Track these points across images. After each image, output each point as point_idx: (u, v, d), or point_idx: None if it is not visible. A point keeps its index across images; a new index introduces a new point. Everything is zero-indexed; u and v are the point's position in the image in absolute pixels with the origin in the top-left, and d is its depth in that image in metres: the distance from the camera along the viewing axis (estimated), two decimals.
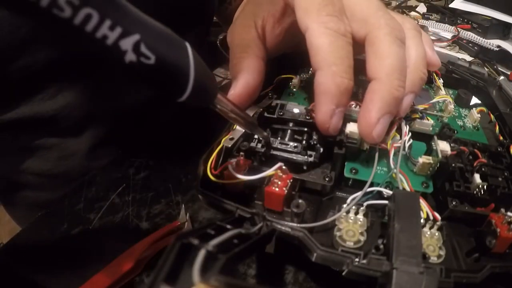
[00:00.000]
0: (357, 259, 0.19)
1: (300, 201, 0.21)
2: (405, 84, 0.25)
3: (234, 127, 0.27)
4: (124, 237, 0.27)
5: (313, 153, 0.25)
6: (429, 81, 0.35)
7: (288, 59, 0.35)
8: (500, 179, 0.24)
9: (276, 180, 0.22)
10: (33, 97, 0.34)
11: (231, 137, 0.26)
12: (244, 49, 0.29)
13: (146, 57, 0.14)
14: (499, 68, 0.56)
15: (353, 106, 0.28)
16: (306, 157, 0.24)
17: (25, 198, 0.42)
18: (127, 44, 0.13)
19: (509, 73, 0.53)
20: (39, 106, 0.34)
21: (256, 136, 0.25)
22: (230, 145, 0.25)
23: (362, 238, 0.21)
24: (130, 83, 0.39)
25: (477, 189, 0.24)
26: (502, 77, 0.49)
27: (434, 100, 0.31)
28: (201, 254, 0.13)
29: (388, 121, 0.24)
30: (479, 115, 0.32)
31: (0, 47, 0.30)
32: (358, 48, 0.26)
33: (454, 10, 0.70)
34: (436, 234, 0.21)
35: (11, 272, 0.25)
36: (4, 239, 0.27)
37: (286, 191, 0.21)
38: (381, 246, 0.20)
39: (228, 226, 0.18)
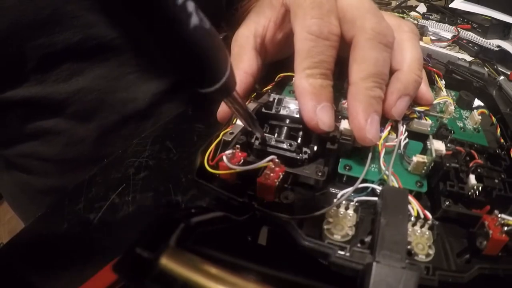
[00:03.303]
0: (342, 252, 0.20)
1: (289, 192, 0.22)
2: (382, 85, 0.25)
3: (234, 122, 0.28)
4: (124, 237, 0.27)
5: (308, 151, 0.25)
6: (431, 82, 0.35)
7: (290, 58, 0.35)
8: (496, 181, 0.24)
9: (268, 172, 0.22)
10: (47, 78, 0.35)
11: (231, 131, 0.27)
12: (236, 63, 0.30)
13: (205, 22, 0.15)
14: (499, 68, 0.56)
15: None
16: (300, 155, 0.25)
17: (29, 185, 0.43)
18: (190, 6, 0.14)
19: (509, 73, 0.53)
20: (52, 87, 0.35)
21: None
22: (229, 139, 0.26)
23: (350, 233, 0.21)
24: (142, 74, 0.40)
25: (472, 190, 0.24)
26: (502, 77, 0.49)
27: (434, 101, 0.32)
28: (181, 226, 0.15)
29: (377, 120, 0.25)
30: (480, 117, 0.32)
31: (22, 26, 0.31)
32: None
33: (454, 10, 0.70)
34: (427, 233, 0.21)
35: (11, 272, 0.25)
36: (4, 239, 0.28)
37: (277, 183, 0.22)
38: (366, 240, 0.20)
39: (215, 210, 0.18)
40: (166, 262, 0.13)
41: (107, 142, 0.40)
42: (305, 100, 0.25)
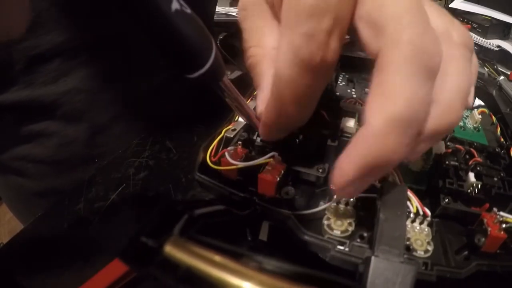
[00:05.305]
0: (341, 247, 0.20)
1: (289, 188, 0.22)
2: (408, 139, 0.16)
3: (236, 119, 0.28)
4: (124, 237, 0.27)
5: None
6: None
7: None
8: (495, 179, 0.24)
9: (269, 168, 0.23)
10: (35, 80, 0.35)
11: (233, 128, 0.27)
12: (258, 37, 0.22)
13: (185, 7, 0.15)
14: (499, 68, 0.56)
15: (352, 103, 0.29)
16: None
17: (24, 188, 0.43)
18: None
19: (509, 73, 0.53)
20: (40, 89, 0.35)
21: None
22: (231, 136, 0.26)
23: (350, 228, 0.21)
24: (127, 76, 0.40)
25: (471, 188, 0.24)
26: (502, 77, 0.49)
27: None
28: (184, 217, 0.16)
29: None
30: (480, 116, 0.32)
31: None
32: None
33: (454, 10, 0.70)
34: (426, 229, 0.21)
35: (11, 272, 0.25)
36: (4, 239, 0.27)
37: (278, 179, 0.22)
38: (365, 235, 0.21)
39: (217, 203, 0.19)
40: (169, 249, 0.14)
41: (99, 142, 0.40)
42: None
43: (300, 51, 0.16)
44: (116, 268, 0.22)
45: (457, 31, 0.19)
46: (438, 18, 0.18)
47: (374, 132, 0.16)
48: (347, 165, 0.17)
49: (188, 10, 0.15)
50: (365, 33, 0.17)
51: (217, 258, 0.13)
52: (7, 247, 0.27)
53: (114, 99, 0.40)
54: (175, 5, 0.14)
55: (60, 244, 0.27)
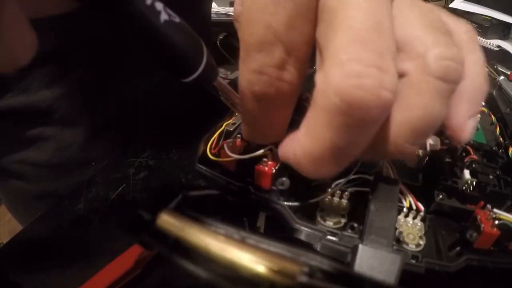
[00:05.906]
0: (332, 237, 0.20)
1: (284, 179, 0.23)
2: (325, 170, 0.16)
3: (237, 114, 0.29)
4: (124, 237, 0.27)
5: None
6: None
7: None
8: (491, 177, 0.24)
9: (266, 160, 0.23)
10: (29, 85, 0.35)
11: (233, 122, 0.28)
12: None
13: (174, 17, 0.16)
14: (499, 68, 0.56)
15: None
16: None
17: (23, 191, 0.43)
18: (159, 6, 0.15)
19: (509, 73, 0.53)
20: (35, 95, 0.35)
21: None
22: (231, 129, 0.27)
23: (343, 220, 0.22)
24: (126, 76, 0.40)
25: (466, 185, 0.24)
26: (502, 77, 0.49)
27: None
28: (179, 197, 0.18)
29: None
30: (479, 116, 0.32)
31: None
32: None
33: (454, 10, 0.70)
34: (419, 224, 0.21)
35: (11, 272, 0.25)
36: (4, 239, 0.28)
37: (274, 171, 0.23)
38: (356, 225, 0.21)
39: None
40: (161, 221, 0.16)
41: (95, 145, 0.40)
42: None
43: (253, 87, 0.15)
44: (116, 268, 0.22)
45: (438, 58, 0.14)
46: (421, 31, 0.15)
47: (295, 150, 0.16)
48: (280, 151, 0.17)
49: (177, 19, 0.16)
50: (317, 57, 0.15)
51: (205, 230, 0.15)
52: (7, 247, 0.27)
53: (107, 103, 0.40)
54: (163, 17, 0.15)
55: (60, 244, 0.27)
